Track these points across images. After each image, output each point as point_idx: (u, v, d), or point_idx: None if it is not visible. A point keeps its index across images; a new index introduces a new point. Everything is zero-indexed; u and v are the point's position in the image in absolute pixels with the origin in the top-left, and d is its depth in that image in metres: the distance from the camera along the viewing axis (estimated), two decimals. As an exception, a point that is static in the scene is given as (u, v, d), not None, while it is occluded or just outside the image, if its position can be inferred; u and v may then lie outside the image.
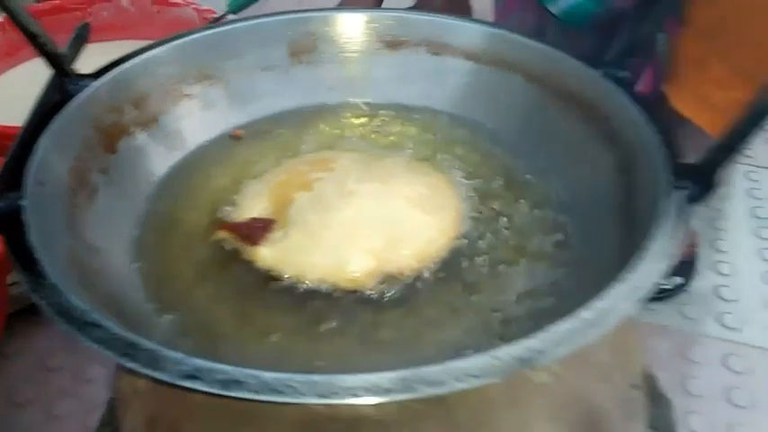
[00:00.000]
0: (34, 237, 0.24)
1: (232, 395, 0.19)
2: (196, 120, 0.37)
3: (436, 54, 0.40)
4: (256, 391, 0.19)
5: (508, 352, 0.20)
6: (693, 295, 0.69)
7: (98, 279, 0.26)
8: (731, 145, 0.26)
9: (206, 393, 0.19)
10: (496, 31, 0.39)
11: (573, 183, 0.33)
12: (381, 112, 0.40)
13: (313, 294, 0.29)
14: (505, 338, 0.23)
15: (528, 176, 0.35)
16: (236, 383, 0.19)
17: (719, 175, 0.27)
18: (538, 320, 0.26)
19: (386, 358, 0.26)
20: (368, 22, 0.40)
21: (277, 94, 0.40)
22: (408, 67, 0.40)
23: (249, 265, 0.30)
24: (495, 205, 0.33)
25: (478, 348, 0.20)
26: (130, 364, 0.19)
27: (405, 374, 0.19)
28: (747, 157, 0.86)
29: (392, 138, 0.38)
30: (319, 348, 0.26)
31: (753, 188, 0.83)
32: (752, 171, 0.84)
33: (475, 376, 0.19)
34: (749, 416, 0.58)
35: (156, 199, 0.33)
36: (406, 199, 0.31)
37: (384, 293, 0.29)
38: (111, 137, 0.33)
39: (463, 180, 0.35)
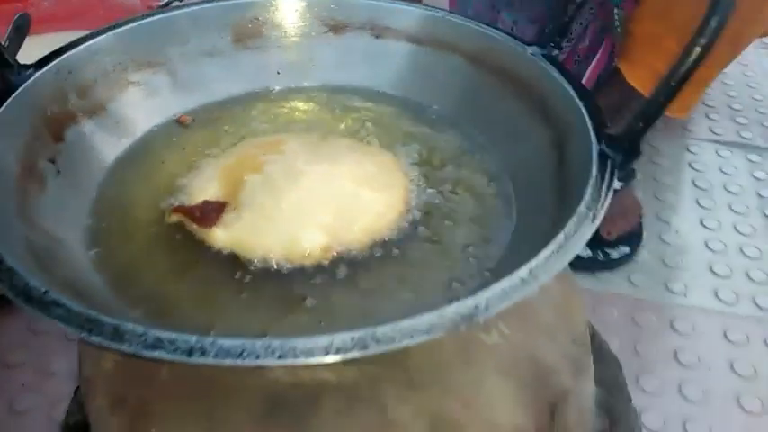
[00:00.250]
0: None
1: (196, 361, 0.20)
2: (142, 107, 0.38)
3: (378, 37, 0.42)
4: (217, 356, 0.20)
5: (453, 309, 0.22)
6: (640, 264, 0.72)
7: (55, 265, 0.27)
8: (650, 114, 0.29)
9: (169, 361, 0.20)
10: (436, 14, 0.41)
11: (511, 156, 0.35)
12: (326, 95, 0.41)
13: (267, 272, 0.30)
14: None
15: (468, 152, 0.37)
16: (199, 350, 0.20)
17: (640, 143, 0.29)
18: (483, 282, 0.28)
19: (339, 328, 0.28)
20: (311, 6, 0.42)
21: (222, 80, 0.41)
22: (352, 50, 0.42)
23: (203, 247, 0.31)
24: (438, 179, 0.35)
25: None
26: (94, 338, 0.20)
27: (358, 334, 0.21)
28: (687, 130, 0.91)
29: (338, 120, 0.40)
30: (273, 322, 0.28)
31: (693, 161, 0.87)
32: (692, 144, 0.89)
33: (424, 332, 0.21)
34: (695, 373, 0.61)
35: (107, 186, 0.34)
36: (355, 178, 0.33)
37: (336, 268, 0.30)
38: (57, 126, 0.33)
39: (407, 157, 0.37)
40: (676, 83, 0.27)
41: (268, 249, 0.30)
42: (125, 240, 0.32)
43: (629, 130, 0.29)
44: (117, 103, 0.37)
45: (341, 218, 0.31)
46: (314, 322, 0.28)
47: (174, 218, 0.32)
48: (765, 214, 0.80)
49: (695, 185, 0.83)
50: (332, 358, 0.20)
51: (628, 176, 0.73)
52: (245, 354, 0.20)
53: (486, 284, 0.23)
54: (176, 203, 0.33)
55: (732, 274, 0.72)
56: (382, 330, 0.21)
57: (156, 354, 0.20)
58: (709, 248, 0.75)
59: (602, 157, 0.29)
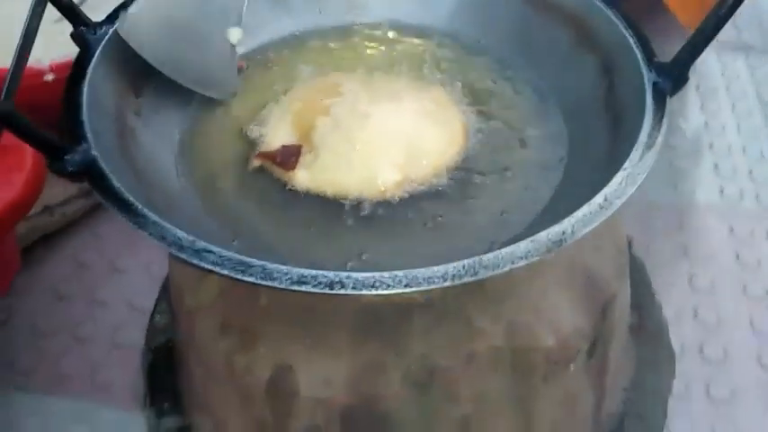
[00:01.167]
0: (117, 183, 0.28)
1: (338, 293, 0.24)
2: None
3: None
4: (354, 288, 0.25)
5: (545, 236, 0.26)
6: (651, 168, 0.78)
7: (170, 210, 0.31)
8: (700, 42, 0.32)
9: (314, 294, 0.24)
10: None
11: (562, 87, 0.39)
12: (375, 32, 0.44)
13: (348, 208, 0.34)
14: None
15: (519, 86, 0.40)
16: (339, 284, 0.25)
17: (689, 71, 0.33)
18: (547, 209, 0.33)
19: (427, 250, 0.32)
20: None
21: (270, 21, 0.43)
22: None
23: (286, 188, 0.35)
24: (492, 114, 0.39)
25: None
26: (247, 278, 0.25)
27: (468, 262, 0.25)
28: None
29: (389, 55, 0.43)
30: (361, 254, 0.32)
31: (695, 64, 0.90)
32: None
33: (522, 257, 0.25)
34: (704, 266, 0.67)
35: (187, 135, 0.37)
36: (416, 115, 0.37)
37: (411, 202, 0.34)
38: (134, 80, 0.36)
39: (461, 93, 0.40)
40: (726, 11, 0.31)
41: (347, 187, 0.34)
42: (216, 184, 0.35)
43: (677, 59, 0.33)
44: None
45: (410, 154, 0.35)
46: (400, 252, 0.32)
47: (257, 162, 0.36)
48: (767, 115, 0.85)
49: (698, 91, 0.87)
50: (449, 283, 0.25)
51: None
52: (376, 284, 0.25)
53: (557, 211, 0.28)
54: (257, 148, 0.37)
55: (736, 173, 0.78)
56: (488, 258, 0.25)
57: (303, 288, 0.25)
58: (713, 150, 0.80)
59: (655, 86, 0.32)
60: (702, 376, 0.57)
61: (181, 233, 0.26)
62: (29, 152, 0.48)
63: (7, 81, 0.28)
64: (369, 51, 0.43)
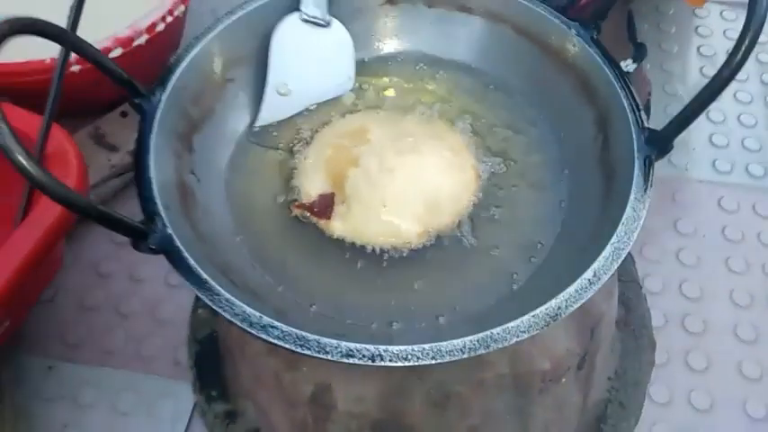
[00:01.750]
0: (191, 258, 0.35)
1: (379, 365, 0.31)
2: (239, 102, 0.45)
3: (431, 6, 0.48)
4: (391, 360, 0.31)
5: (543, 311, 0.33)
6: None
7: (230, 272, 0.37)
8: (689, 117, 0.37)
9: (358, 366, 0.31)
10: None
11: (561, 132, 0.44)
12: (390, 65, 0.49)
13: (378, 257, 0.41)
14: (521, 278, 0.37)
15: (521, 127, 0.46)
16: (379, 356, 0.31)
17: (673, 141, 0.38)
18: (543, 266, 0.39)
19: (440, 297, 0.39)
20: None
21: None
22: (408, 19, 0.48)
23: (323, 235, 0.42)
24: (499, 155, 0.45)
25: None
26: (305, 351, 0.32)
27: (482, 337, 0.32)
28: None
29: (408, 91, 0.48)
30: (392, 301, 0.39)
31: (699, 25, 0.93)
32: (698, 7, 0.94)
33: (525, 332, 0.32)
34: (692, 241, 0.73)
35: (233, 182, 0.43)
36: (437, 167, 0.42)
37: (430, 251, 0.41)
38: (187, 138, 0.42)
39: (471, 134, 0.46)
40: (717, 89, 0.36)
41: (376, 237, 0.41)
42: (260, 232, 0.42)
43: (665, 130, 0.38)
44: (221, 103, 0.44)
45: (430, 206, 0.41)
46: (423, 301, 0.39)
47: (297, 212, 0.42)
48: (763, 80, 0.88)
49: (700, 53, 0.90)
50: (467, 356, 0.32)
51: (639, 55, 0.80)
52: (409, 357, 0.32)
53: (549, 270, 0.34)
54: (293, 198, 0.43)
55: (729, 143, 0.82)
56: (497, 332, 0.32)
57: (350, 360, 0.31)
58: (710, 119, 0.84)
59: (644, 154, 0.38)
60: (683, 346, 0.65)
61: (249, 310, 0.33)
62: (73, 161, 0.54)
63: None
64: (384, 88, 0.48)
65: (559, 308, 0.33)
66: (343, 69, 0.48)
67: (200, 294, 0.33)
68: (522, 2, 0.46)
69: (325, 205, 0.41)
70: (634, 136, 0.39)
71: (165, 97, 0.40)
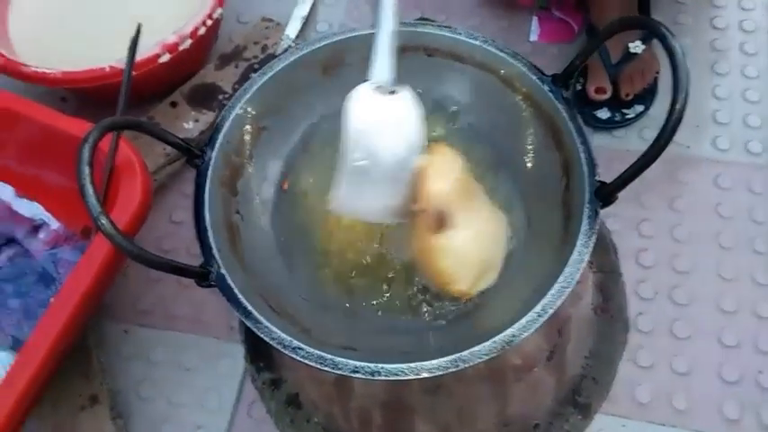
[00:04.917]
0: (239, 294, 0.48)
1: (377, 379, 0.44)
2: (273, 147, 0.57)
3: (431, 56, 0.58)
4: (387, 376, 0.45)
5: (500, 339, 0.45)
6: (652, 118, 0.87)
7: (274, 301, 0.50)
8: (632, 175, 0.47)
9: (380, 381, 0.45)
10: (474, 41, 0.56)
11: (530, 174, 0.55)
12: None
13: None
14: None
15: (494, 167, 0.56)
16: (378, 372, 0.45)
17: (617, 194, 0.49)
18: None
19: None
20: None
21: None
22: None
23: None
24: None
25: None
26: (326, 368, 0.45)
27: (452, 359, 0.45)
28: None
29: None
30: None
31: (714, 16, 0.96)
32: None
33: (486, 354, 0.45)
34: (686, 218, 0.82)
35: (273, 225, 0.56)
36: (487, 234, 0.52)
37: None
38: (232, 184, 0.54)
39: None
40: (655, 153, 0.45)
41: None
42: (298, 264, 0.55)
43: (614, 183, 0.48)
44: (258, 149, 0.56)
45: (479, 274, 0.51)
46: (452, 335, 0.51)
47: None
48: (770, 56, 0.93)
49: (713, 48, 0.93)
50: (441, 373, 0.45)
51: (649, 36, 0.86)
52: (399, 373, 0.45)
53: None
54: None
55: (732, 120, 0.88)
56: (465, 355, 0.45)
57: (356, 375, 0.45)
58: (715, 96, 0.90)
59: (592, 206, 0.48)
60: (668, 317, 0.76)
61: (283, 335, 0.46)
62: (138, 170, 0.67)
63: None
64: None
65: (513, 335, 0.45)
66: (414, 133, 0.49)
67: (246, 323, 0.47)
68: (506, 57, 0.55)
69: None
70: (587, 188, 0.49)
71: (213, 154, 0.53)
